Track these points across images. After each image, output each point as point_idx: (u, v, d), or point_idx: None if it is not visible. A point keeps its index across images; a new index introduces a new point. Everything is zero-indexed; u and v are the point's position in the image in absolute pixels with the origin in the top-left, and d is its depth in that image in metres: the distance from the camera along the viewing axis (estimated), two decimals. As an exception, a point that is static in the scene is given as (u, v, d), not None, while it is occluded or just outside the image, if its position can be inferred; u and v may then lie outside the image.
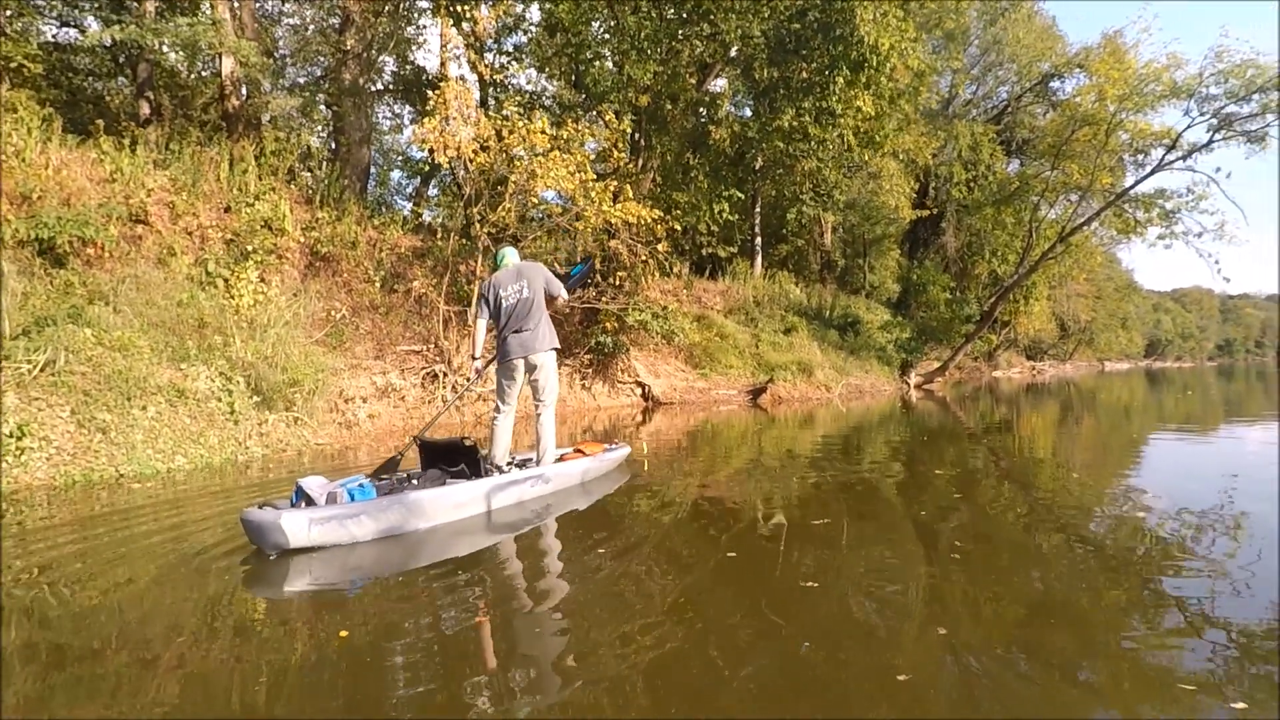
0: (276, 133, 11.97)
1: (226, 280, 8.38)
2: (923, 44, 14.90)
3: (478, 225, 10.13)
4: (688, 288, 17.17)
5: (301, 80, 16.59)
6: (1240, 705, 1.93)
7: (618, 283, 12.18)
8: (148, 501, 4.67)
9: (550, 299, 4.86)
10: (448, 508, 4.09)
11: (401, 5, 15.90)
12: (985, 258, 27.59)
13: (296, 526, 3.41)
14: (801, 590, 2.92)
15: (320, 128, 17.24)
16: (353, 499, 3.71)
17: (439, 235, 11.69)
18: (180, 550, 3.54)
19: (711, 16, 12.18)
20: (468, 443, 4.41)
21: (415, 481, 4.14)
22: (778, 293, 20.26)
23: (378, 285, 10.32)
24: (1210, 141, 16.73)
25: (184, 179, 9.28)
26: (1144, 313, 62.96)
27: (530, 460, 5.03)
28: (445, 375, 9.88)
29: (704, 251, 19.92)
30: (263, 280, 8.80)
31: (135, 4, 11.01)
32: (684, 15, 12.43)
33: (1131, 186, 18.55)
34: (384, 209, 16.12)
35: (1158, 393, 19.30)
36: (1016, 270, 21.58)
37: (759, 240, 22.22)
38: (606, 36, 13.70)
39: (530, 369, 4.82)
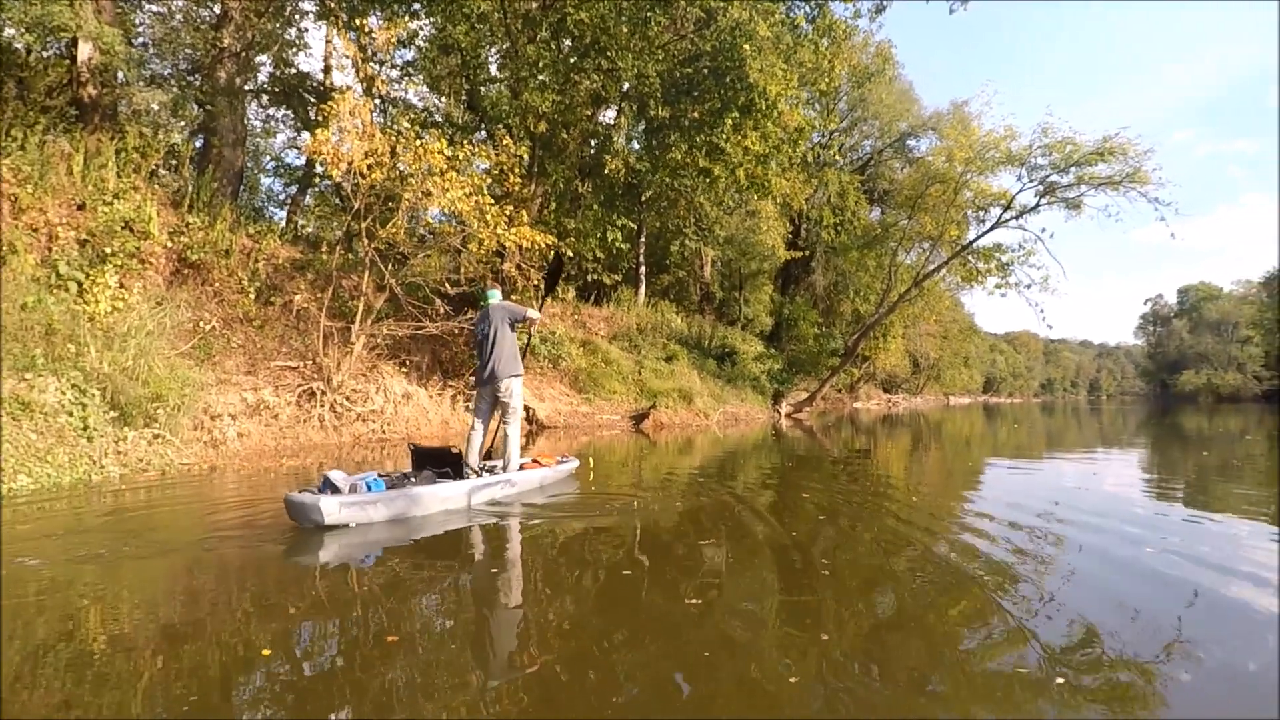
0: (141, 127, 11.11)
1: (80, 284, 7.69)
2: (801, 98, 16.10)
3: (365, 240, 9.87)
4: (574, 312, 17.38)
5: (167, 73, 15.45)
6: (1060, 680, 2.36)
7: (507, 305, 12.18)
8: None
9: (522, 322, 5.81)
10: (439, 501, 4.99)
11: (286, 7, 15.30)
12: (850, 296, 29.87)
13: (330, 508, 4.24)
14: (685, 609, 3.17)
15: (185, 126, 16.12)
16: (370, 489, 4.54)
17: (321, 248, 11.25)
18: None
19: (609, 53, 12.58)
20: (454, 450, 5.37)
21: (413, 479, 5.00)
22: (660, 321, 20.90)
23: (252, 297, 9.79)
24: (1037, 205, 19.19)
25: (29, 170, 8.47)
26: (983, 353, 69.95)
27: (497, 466, 5.96)
28: (323, 393, 9.48)
29: (589, 277, 20.25)
30: (122, 286, 8.14)
31: (-31, -29, 9.93)
32: (582, 49, 12.76)
33: (974, 240, 20.88)
34: (259, 217, 15.26)
35: (993, 425, 21.49)
36: (877, 309, 23.52)
37: (643, 269, 22.84)
38: (503, 61, 13.80)
39: (495, 392, 5.77)
